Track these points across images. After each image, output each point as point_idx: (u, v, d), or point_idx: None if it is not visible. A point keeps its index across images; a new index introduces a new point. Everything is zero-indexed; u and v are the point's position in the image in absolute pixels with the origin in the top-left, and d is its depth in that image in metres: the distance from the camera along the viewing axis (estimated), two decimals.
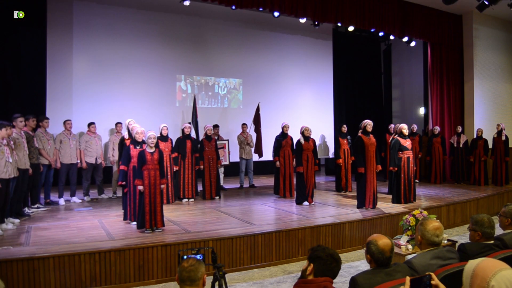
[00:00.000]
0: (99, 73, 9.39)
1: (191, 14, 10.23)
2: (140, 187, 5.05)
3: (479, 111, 10.52)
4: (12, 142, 5.36)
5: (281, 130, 7.76)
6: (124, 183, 5.64)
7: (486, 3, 8.55)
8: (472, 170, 9.43)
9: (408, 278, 1.88)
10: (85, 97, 9.19)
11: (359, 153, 6.51)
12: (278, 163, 7.59)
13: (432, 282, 1.89)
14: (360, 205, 6.47)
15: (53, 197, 7.12)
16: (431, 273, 1.94)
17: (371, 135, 6.61)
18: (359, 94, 13.28)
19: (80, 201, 7.28)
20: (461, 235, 6.34)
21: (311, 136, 7.01)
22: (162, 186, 5.25)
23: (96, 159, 7.55)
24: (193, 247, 3.78)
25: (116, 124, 8.09)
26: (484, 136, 9.40)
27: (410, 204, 6.78)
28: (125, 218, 5.68)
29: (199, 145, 7.61)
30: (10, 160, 5.11)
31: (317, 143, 10.54)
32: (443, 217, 6.63)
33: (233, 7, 8.15)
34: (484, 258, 1.66)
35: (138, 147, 5.51)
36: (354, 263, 5.04)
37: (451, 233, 6.45)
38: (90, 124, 7.61)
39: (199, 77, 10.70)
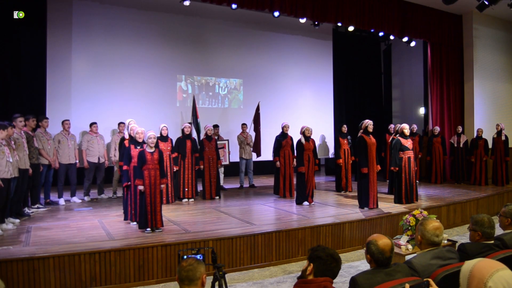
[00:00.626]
0: (99, 73, 9.39)
1: (191, 14, 10.23)
2: (141, 187, 5.05)
3: (479, 111, 10.52)
4: (13, 142, 5.36)
5: (281, 130, 7.75)
6: (129, 183, 5.65)
7: (486, 3, 8.55)
8: (473, 170, 9.42)
9: (407, 286, 1.89)
10: (85, 97, 9.19)
11: (362, 153, 6.50)
12: (278, 163, 7.59)
13: None
14: (363, 205, 6.47)
15: (53, 197, 7.12)
16: (429, 279, 1.95)
17: (371, 135, 6.61)
18: (359, 94, 13.28)
19: (80, 201, 7.28)
20: (461, 235, 6.34)
21: (311, 136, 7.01)
22: (162, 186, 5.26)
23: (98, 158, 7.55)
24: (193, 247, 3.78)
25: (119, 124, 8.09)
26: (484, 136, 9.40)
27: (411, 204, 6.78)
28: (125, 218, 5.68)
29: (199, 145, 7.61)
30: (11, 160, 5.12)
31: (317, 143, 10.54)
32: (443, 217, 6.63)
33: (233, 7, 8.14)
34: (480, 258, 1.66)
35: (138, 147, 5.52)
36: (354, 263, 5.04)
37: (451, 233, 6.45)
38: (92, 124, 7.62)
39: (199, 77, 10.70)
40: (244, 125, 9.29)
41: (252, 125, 9.61)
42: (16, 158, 5.35)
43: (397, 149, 6.93)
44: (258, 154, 9.44)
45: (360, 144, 6.56)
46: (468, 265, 1.62)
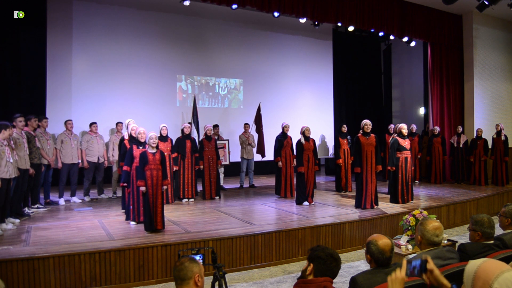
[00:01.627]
0: (99, 73, 9.39)
1: (191, 14, 10.23)
2: (142, 188, 5.04)
3: (479, 111, 10.52)
4: (12, 142, 5.36)
5: (281, 130, 7.75)
6: (126, 184, 5.63)
7: (486, 3, 8.55)
8: (472, 170, 9.42)
9: (405, 261, 1.92)
10: (85, 97, 9.19)
11: (356, 153, 6.52)
12: (280, 163, 7.59)
13: (428, 266, 1.92)
14: (357, 205, 6.48)
15: (53, 197, 7.12)
16: (428, 256, 1.96)
17: (372, 135, 6.59)
18: (359, 94, 13.29)
19: (80, 201, 7.28)
20: (461, 235, 6.34)
21: (311, 136, 7.01)
22: (164, 187, 5.23)
23: (98, 158, 7.55)
24: (193, 247, 3.78)
25: (117, 124, 8.09)
26: (483, 136, 9.40)
27: (410, 204, 6.78)
28: (127, 218, 5.66)
29: (198, 145, 7.61)
30: (11, 160, 5.12)
31: (317, 143, 10.54)
32: (443, 217, 6.63)
33: (233, 7, 8.14)
34: (485, 259, 1.64)
35: (141, 147, 5.52)
36: (354, 263, 5.04)
37: (451, 233, 6.45)
38: (91, 124, 7.62)
39: (199, 77, 10.70)
40: (246, 125, 9.29)
41: (254, 126, 9.61)
42: (15, 158, 5.35)
43: (395, 149, 6.93)
44: (263, 155, 9.42)
45: (355, 144, 6.58)
46: (473, 265, 1.60)
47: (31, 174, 6.01)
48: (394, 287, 1.82)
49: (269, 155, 9.46)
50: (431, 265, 1.93)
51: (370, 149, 6.50)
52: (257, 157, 9.54)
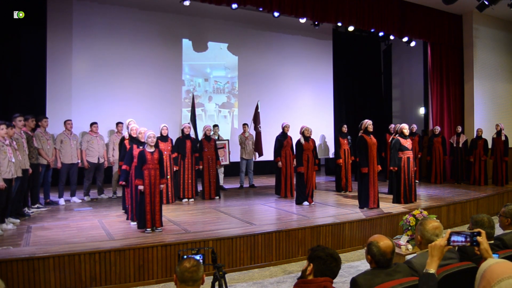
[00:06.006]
0: (99, 73, 9.38)
1: (191, 14, 10.23)
2: (141, 187, 5.05)
3: (479, 111, 10.52)
4: (14, 143, 5.35)
5: (281, 130, 7.75)
6: (124, 183, 5.64)
7: (486, 3, 8.55)
8: (472, 170, 9.42)
9: (448, 231, 1.91)
10: (85, 97, 9.19)
11: (363, 153, 6.50)
12: (280, 163, 7.59)
13: (479, 238, 1.90)
14: (363, 205, 6.46)
15: (53, 197, 7.12)
16: (481, 230, 1.94)
17: (371, 135, 6.61)
18: (359, 94, 13.28)
19: (80, 201, 7.28)
20: None
21: (311, 136, 7.01)
22: (162, 186, 5.24)
23: (98, 158, 7.55)
24: (193, 247, 3.78)
25: (117, 124, 8.09)
26: (483, 136, 9.40)
27: (410, 204, 6.78)
28: (128, 218, 5.67)
29: (198, 145, 7.61)
30: (13, 160, 5.12)
31: (317, 143, 10.53)
32: (443, 217, 6.64)
33: (233, 7, 8.13)
34: (500, 260, 1.62)
35: (141, 147, 5.53)
36: (354, 263, 5.04)
37: None
38: (92, 124, 7.62)
39: (199, 77, 10.70)
40: (245, 125, 9.29)
41: (252, 124, 9.61)
42: (18, 158, 5.35)
43: (396, 149, 6.93)
44: (260, 154, 9.40)
45: (360, 144, 6.56)
46: (486, 264, 1.58)
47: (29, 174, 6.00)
48: (433, 253, 1.85)
49: (269, 155, 9.43)
50: (482, 237, 1.91)
51: (374, 149, 6.54)
52: (257, 157, 9.52)
